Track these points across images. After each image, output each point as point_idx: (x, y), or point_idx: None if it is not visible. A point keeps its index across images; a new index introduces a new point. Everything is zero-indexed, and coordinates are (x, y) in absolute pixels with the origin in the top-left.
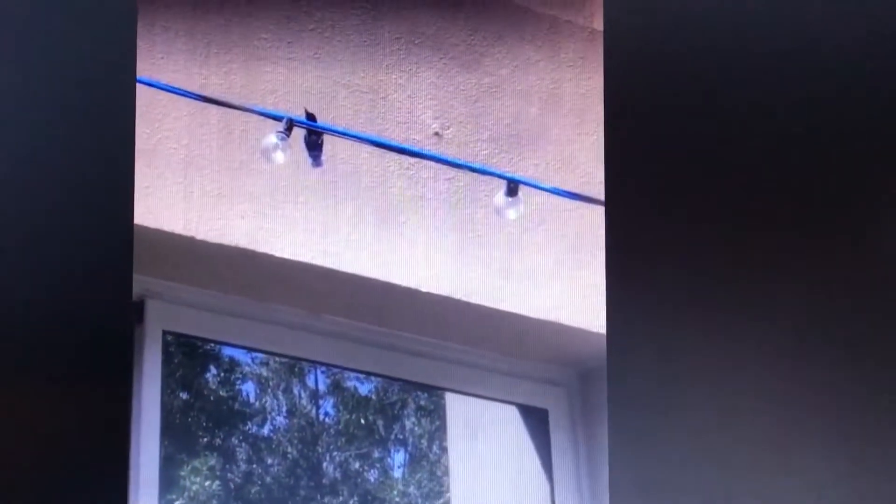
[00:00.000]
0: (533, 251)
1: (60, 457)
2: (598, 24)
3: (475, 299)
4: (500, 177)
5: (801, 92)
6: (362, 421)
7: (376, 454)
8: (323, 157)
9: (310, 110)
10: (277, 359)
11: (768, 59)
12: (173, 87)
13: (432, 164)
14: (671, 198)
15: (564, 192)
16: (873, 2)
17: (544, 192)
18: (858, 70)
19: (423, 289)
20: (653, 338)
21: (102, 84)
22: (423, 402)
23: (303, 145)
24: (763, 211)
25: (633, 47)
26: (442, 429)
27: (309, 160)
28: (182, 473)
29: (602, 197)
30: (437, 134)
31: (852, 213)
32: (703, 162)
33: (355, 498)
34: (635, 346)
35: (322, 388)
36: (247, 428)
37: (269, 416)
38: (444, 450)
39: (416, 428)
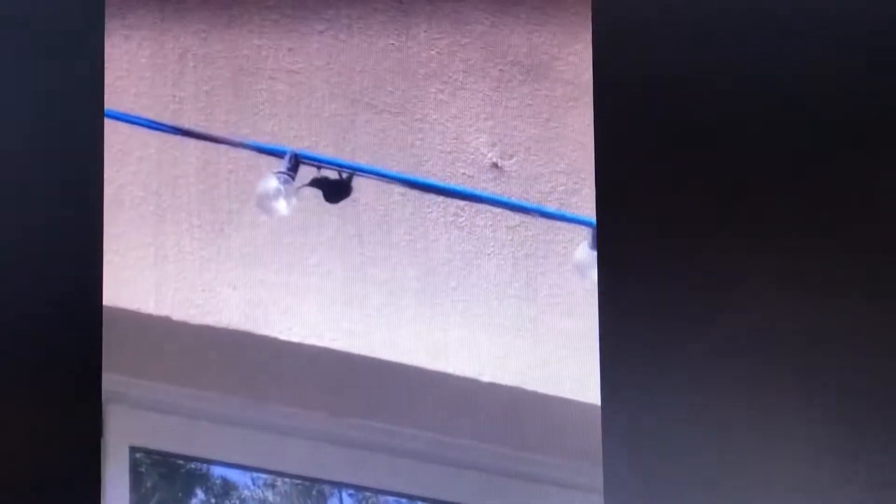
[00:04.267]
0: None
1: None
2: None
3: (554, 390)
4: (582, 223)
5: (794, 97)
6: None
7: None
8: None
9: (322, 139)
10: (288, 479)
11: (761, 59)
12: (138, 118)
13: (490, 207)
14: (665, 207)
15: None
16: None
17: None
18: (854, 71)
19: (485, 378)
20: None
21: (68, 117)
22: None
23: (319, 193)
24: (756, 216)
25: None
26: None
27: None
28: None
29: None
30: (495, 166)
31: (850, 212)
32: (695, 174)
33: None
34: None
35: None
36: None
37: None
38: None
39: None
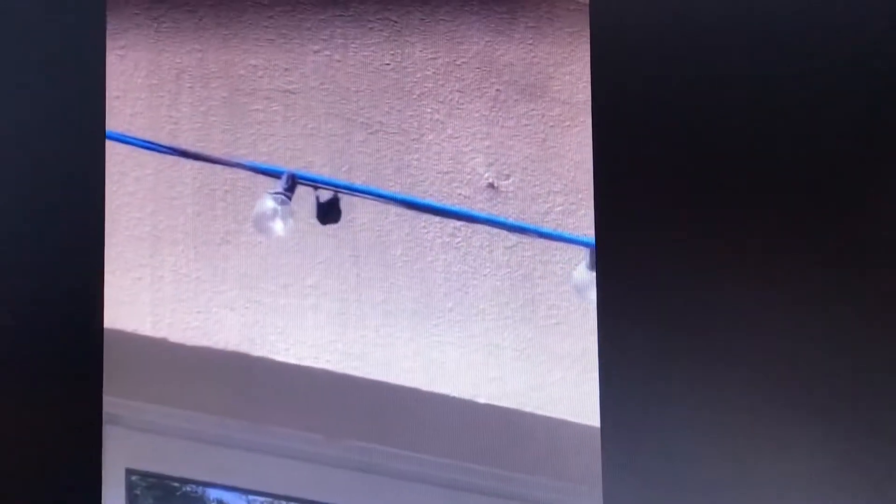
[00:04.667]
0: None
1: None
2: None
3: (552, 412)
4: (581, 243)
5: (794, 84)
6: None
7: None
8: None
9: (318, 159)
10: (285, 502)
11: (762, 72)
12: (133, 138)
13: (487, 228)
14: (664, 219)
15: None
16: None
17: None
18: (855, 69)
19: (482, 400)
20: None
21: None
22: None
23: (313, 211)
24: (756, 204)
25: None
26: None
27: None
28: None
29: None
30: (491, 186)
31: (849, 220)
32: (695, 175)
33: None
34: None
35: None
36: None
37: None
38: None
39: None
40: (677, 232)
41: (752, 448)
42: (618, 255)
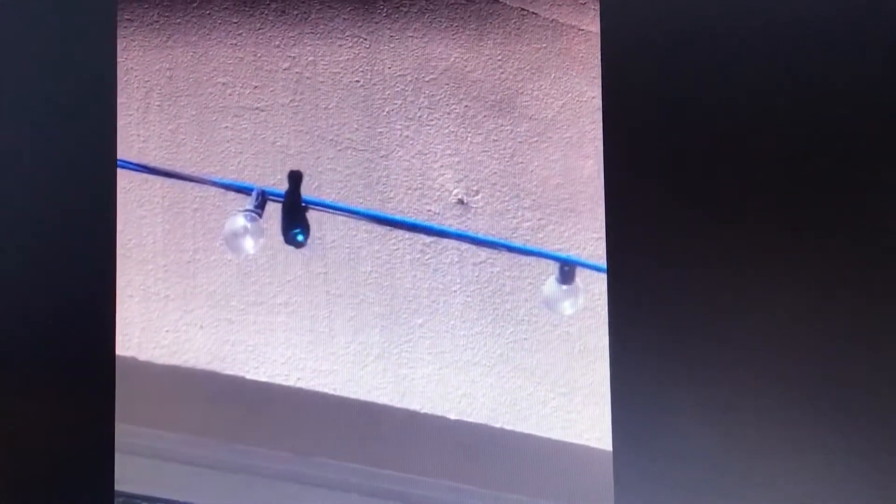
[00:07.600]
0: (600, 357)
1: None
2: None
3: (525, 427)
4: (550, 257)
5: (799, 91)
6: None
7: None
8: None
9: (285, 176)
10: None
11: (765, 57)
12: None
13: (456, 243)
14: (670, 203)
15: None
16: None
17: None
18: (858, 66)
19: (453, 416)
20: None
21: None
22: None
23: (279, 226)
24: (762, 211)
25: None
26: None
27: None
28: None
29: None
30: (460, 202)
31: (852, 210)
32: (704, 169)
33: None
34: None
35: None
36: None
37: None
38: None
39: None
40: (686, 243)
41: (768, 460)
42: (628, 268)
